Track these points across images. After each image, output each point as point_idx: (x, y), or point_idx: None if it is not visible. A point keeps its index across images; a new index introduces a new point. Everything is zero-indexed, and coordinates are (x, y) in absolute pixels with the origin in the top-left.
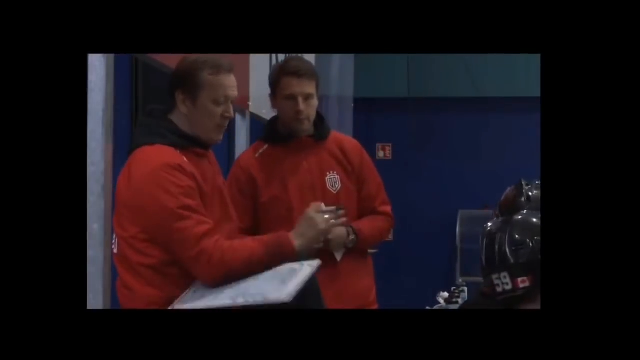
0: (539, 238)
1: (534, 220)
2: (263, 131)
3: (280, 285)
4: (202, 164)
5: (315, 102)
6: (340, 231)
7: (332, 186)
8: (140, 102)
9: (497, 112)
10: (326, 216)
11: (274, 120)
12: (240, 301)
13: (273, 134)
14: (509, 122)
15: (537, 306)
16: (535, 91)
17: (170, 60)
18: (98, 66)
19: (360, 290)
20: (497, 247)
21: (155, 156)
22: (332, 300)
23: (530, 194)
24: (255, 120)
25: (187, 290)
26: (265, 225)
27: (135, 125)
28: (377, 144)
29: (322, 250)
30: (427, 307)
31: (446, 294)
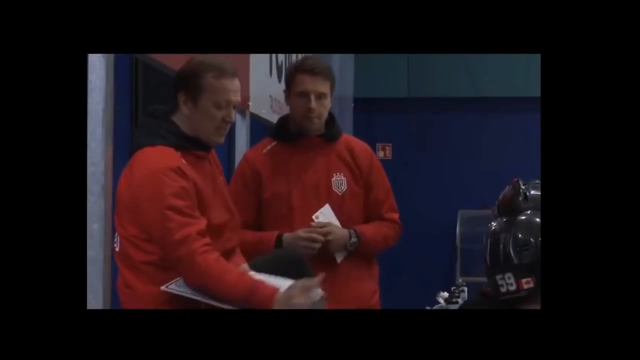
0: None
1: (538, 220)
2: (273, 128)
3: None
4: (202, 165)
5: (328, 102)
6: (342, 232)
7: (338, 187)
8: (140, 102)
9: (497, 112)
10: (320, 294)
11: (285, 118)
12: None
13: (282, 131)
14: (509, 122)
15: (538, 307)
16: (535, 91)
17: (170, 60)
18: (98, 66)
19: (360, 293)
20: (501, 247)
21: (155, 158)
22: (331, 301)
23: (528, 193)
24: (255, 120)
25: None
26: (267, 222)
27: (136, 125)
28: (377, 144)
29: (322, 251)
30: (427, 307)
31: (446, 294)
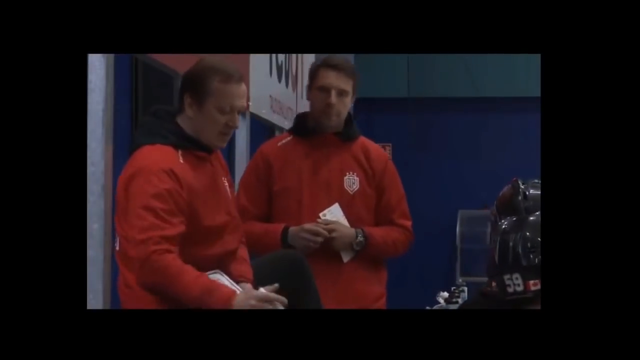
0: None
1: None
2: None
3: None
4: (202, 166)
5: (348, 100)
6: (347, 231)
7: (350, 186)
8: (140, 102)
9: (497, 112)
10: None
11: (304, 114)
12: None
13: (299, 126)
14: (509, 122)
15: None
16: (535, 91)
17: (170, 60)
18: (98, 66)
19: (363, 294)
20: (510, 247)
21: (150, 157)
22: (332, 301)
23: (527, 192)
24: (255, 120)
25: None
26: (275, 215)
27: (136, 125)
28: (377, 144)
29: (328, 249)
30: (427, 307)
31: (446, 294)
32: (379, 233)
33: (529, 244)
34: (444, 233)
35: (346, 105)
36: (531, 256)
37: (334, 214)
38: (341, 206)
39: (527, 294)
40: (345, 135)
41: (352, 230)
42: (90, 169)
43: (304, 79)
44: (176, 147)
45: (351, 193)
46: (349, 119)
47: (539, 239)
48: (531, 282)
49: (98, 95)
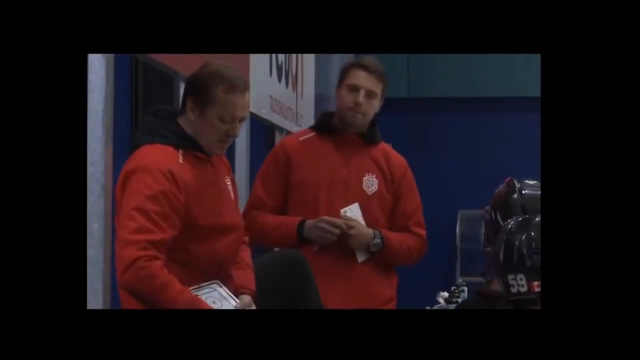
0: None
1: None
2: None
3: None
4: (202, 166)
5: (376, 103)
6: (366, 230)
7: (368, 187)
8: (140, 102)
9: (496, 112)
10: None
11: (329, 113)
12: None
13: (323, 123)
14: (509, 122)
15: None
16: (535, 91)
17: (170, 60)
18: (98, 66)
19: (375, 297)
20: (515, 248)
21: (149, 157)
22: (341, 298)
23: (523, 191)
24: (255, 120)
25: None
26: (291, 208)
27: (136, 125)
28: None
29: (343, 247)
30: (427, 307)
31: (446, 294)
32: (395, 237)
33: (533, 245)
34: (444, 233)
35: (373, 107)
36: (535, 257)
37: (353, 212)
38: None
39: (530, 295)
40: (369, 137)
41: (370, 231)
42: (90, 169)
43: (304, 79)
44: (176, 147)
45: (369, 194)
46: (373, 122)
47: None
48: (535, 283)
49: (98, 95)
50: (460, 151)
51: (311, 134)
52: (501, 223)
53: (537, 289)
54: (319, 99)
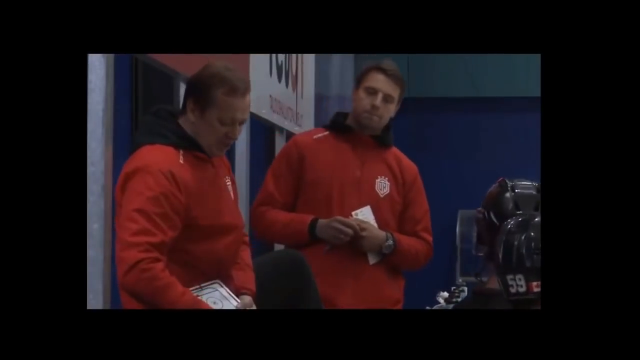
0: None
1: None
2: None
3: None
4: (203, 166)
5: (392, 107)
6: (378, 233)
7: (380, 189)
8: (140, 102)
9: (496, 112)
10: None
11: (344, 113)
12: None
13: (338, 123)
14: (509, 122)
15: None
16: (535, 91)
17: (170, 60)
18: (98, 66)
19: (384, 298)
20: (515, 248)
21: (150, 157)
22: (350, 297)
23: (516, 190)
24: (255, 120)
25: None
26: (302, 206)
27: (136, 125)
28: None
29: (355, 248)
30: (427, 307)
31: (446, 294)
32: (406, 241)
33: (533, 245)
34: (444, 233)
35: (389, 111)
36: (535, 257)
37: (365, 215)
38: (370, 207)
39: (529, 295)
40: (382, 140)
41: (383, 233)
42: (90, 169)
43: (304, 79)
44: (177, 147)
45: (381, 196)
46: (388, 126)
47: None
48: (534, 283)
49: (98, 95)
50: (460, 151)
51: (325, 133)
52: (495, 222)
53: (536, 289)
54: (319, 99)
